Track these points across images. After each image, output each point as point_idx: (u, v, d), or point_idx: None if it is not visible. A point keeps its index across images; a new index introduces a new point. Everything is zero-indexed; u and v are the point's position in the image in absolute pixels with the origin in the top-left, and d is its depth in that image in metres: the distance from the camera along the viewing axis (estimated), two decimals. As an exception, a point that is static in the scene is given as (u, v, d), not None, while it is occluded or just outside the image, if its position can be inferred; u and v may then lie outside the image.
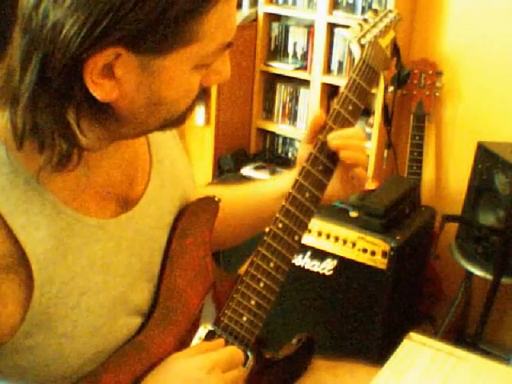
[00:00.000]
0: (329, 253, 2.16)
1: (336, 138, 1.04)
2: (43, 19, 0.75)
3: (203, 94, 0.89)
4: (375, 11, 1.14)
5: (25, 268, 0.81)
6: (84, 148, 0.83)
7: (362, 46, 1.09)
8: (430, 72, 2.52)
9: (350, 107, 1.06)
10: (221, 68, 0.88)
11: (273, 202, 1.13)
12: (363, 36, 1.09)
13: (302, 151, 1.10)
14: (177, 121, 0.90)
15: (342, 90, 1.07)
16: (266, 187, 1.20)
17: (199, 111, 2.71)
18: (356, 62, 1.08)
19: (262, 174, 2.61)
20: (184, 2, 0.75)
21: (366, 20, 1.12)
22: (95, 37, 0.74)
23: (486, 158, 2.26)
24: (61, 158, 0.80)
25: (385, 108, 2.52)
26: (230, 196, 1.19)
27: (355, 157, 1.06)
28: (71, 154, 0.81)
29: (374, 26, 1.12)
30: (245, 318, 1.02)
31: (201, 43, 0.80)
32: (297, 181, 1.04)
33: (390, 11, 1.18)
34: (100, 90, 0.79)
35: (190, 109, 0.89)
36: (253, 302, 1.02)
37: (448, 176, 2.68)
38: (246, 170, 2.65)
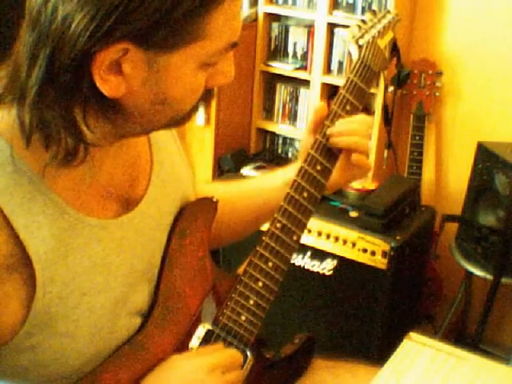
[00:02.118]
0: (329, 253, 2.16)
1: (338, 126, 1.05)
2: (52, 14, 0.76)
3: (208, 95, 0.90)
4: (373, 12, 1.15)
5: (27, 268, 0.82)
6: (90, 144, 0.83)
7: (360, 47, 1.09)
8: (430, 72, 2.52)
9: (348, 107, 1.07)
10: (225, 68, 0.89)
11: (276, 193, 1.12)
12: (361, 37, 1.10)
13: (304, 142, 1.11)
14: (182, 119, 0.90)
15: (339, 90, 1.07)
16: (268, 180, 1.20)
17: (199, 111, 2.70)
18: (354, 62, 1.09)
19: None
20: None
21: (364, 21, 1.12)
22: (104, 31, 0.75)
23: (486, 157, 2.26)
24: (67, 153, 0.81)
25: (385, 108, 2.53)
26: (234, 193, 1.20)
27: (355, 142, 1.06)
28: (77, 149, 0.82)
29: (372, 26, 1.12)
30: (243, 318, 1.02)
31: (207, 41, 0.81)
32: (295, 181, 1.04)
33: (389, 12, 1.18)
34: (108, 85, 0.79)
35: (195, 108, 0.89)
36: (251, 302, 1.02)
37: (448, 176, 2.68)
38: (246, 170, 2.65)
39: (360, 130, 1.06)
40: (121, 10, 0.74)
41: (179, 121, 0.90)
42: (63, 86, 0.78)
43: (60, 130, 0.79)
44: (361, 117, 1.08)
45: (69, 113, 0.80)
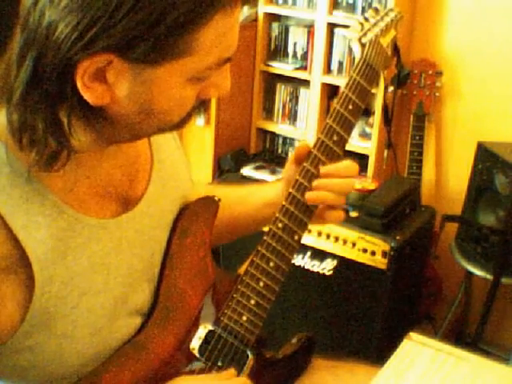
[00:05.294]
0: (329, 253, 2.16)
1: (313, 191, 1.04)
2: (39, 18, 0.76)
3: (202, 106, 0.89)
4: (376, 10, 1.14)
5: (25, 268, 0.81)
6: (75, 150, 0.83)
7: (363, 45, 1.08)
8: (430, 72, 2.52)
9: (351, 106, 1.06)
10: (220, 82, 0.88)
11: (253, 209, 1.16)
12: (364, 35, 1.09)
13: (286, 171, 1.11)
14: (173, 128, 0.89)
15: (342, 89, 1.07)
16: (252, 194, 1.21)
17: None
18: (357, 61, 1.08)
19: (262, 174, 2.61)
20: (178, 14, 0.75)
21: (366, 19, 1.11)
22: (86, 41, 0.74)
23: (486, 158, 2.26)
24: (49, 157, 0.80)
25: (385, 108, 2.53)
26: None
27: (331, 200, 1.05)
28: (60, 153, 0.81)
29: (374, 24, 1.11)
30: (245, 318, 1.02)
31: (195, 57, 0.79)
32: (296, 180, 1.04)
33: (391, 10, 1.18)
34: (91, 93, 0.78)
35: (186, 119, 0.88)
36: (252, 302, 1.02)
37: (448, 176, 2.68)
38: (246, 170, 2.65)
39: (337, 186, 1.04)
40: (103, 21, 0.73)
41: (170, 129, 0.90)
42: (47, 90, 0.77)
43: (43, 134, 0.79)
44: (346, 163, 1.06)
45: (53, 117, 0.79)
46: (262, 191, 1.19)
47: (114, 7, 0.73)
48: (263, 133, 2.98)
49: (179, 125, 0.88)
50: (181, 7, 0.74)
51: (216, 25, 0.78)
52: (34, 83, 0.77)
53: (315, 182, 1.04)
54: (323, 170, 1.04)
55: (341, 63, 2.69)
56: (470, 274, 2.35)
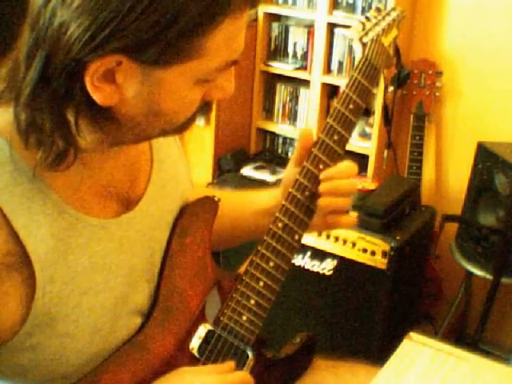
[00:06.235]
0: (329, 253, 2.16)
1: (325, 182, 1.02)
2: (50, 18, 0.76)
3: (205, 107, 0.90)
4: (378, 9, 1.14)
5: (27, 267, 0.81)
6: (81, 149, 0.83)
7: (364, 45, 1.08)
8: (430, 72, 2.52)
9: (352, 106, 1.06)
10: (225, 84, 0.88)
11: (251, 216, 1.16)
12: (365, 34, 1.09)
13: (288, 173, 1.10)
14: (177, 129, 0.90)
15: (343, 88, 1.07)
16: (252, 202, 1.20)
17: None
18: (358, 60, 1.08)
19: (262, 174, 2.61)
20: (188, 18, 0.75)
21: (368, 18, 1.11)
22: (97, 43, 0.74)
23: (486, 157, 2.26)
24: (56, 156, 0.80)
25: (385, 108, 2.53)
26: None
27: (334, 205, 1.04)
28: (67, 153, 0.81)
29: (376, 24, 1.11)
30: (244, 318, 1.02)
31: (203, 60, 0.80)
32: (297, 180, 1.04)
33: (393, 9, 1.18)
34: (100, 93, 0.79)
35: (191, 120, 0.89)
36: (252, 302, 1.02)
37: (448, 176, 2.68)
38: (246, 170, 2.65)
39: (341, 187, 1.03)
40: (115, 24, 0.74)
41: (174, 131, 0.90)
42: (56, 90, 0.78)
43: (51, 133, 0.79)
44: (345, 164, 1.05)
45: (61, 116, 0.79)
46: (261, 198, 1.18)
47: (126, 9, 0.73)
48: (263, 133, 2.98)
49: (184, 126, 0.89)
50: (192, 11, 0.75)
51: (225, 28, 0.79)
52: (43, 83, 0.77)
53: (321, 188, 1.02)
54: (324, 174, 1.03)
55: (341, 63, 2.69)
56: (470, 273, 2.35)
